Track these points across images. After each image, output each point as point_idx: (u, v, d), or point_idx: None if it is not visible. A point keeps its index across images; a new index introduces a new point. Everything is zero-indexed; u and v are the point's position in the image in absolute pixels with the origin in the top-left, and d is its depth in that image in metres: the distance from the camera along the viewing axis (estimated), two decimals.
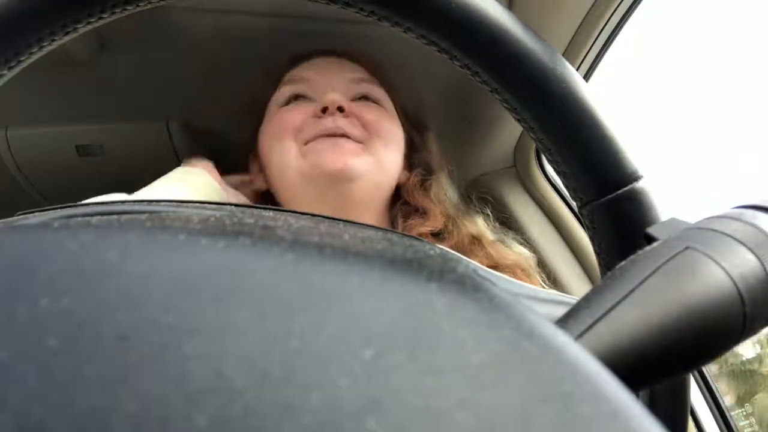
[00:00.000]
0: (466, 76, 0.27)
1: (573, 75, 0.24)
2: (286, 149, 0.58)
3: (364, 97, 0.62)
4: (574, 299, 0.24)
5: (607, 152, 0.24)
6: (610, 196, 0.24)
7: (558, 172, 0.26)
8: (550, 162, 0.26)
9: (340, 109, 0.57)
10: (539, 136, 0.25)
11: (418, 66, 0.72)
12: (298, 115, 0.59)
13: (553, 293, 0.43)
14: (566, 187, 0.26)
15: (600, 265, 0.26)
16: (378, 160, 0.58)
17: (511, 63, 0.24)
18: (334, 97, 0.57)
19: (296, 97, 0.62)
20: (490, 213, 0.67)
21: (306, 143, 0.57)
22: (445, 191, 0.65)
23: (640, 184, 0.25)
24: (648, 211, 0.24)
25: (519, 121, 0.25)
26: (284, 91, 0.62)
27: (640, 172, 0.25)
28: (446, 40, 0.25)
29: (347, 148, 0.56)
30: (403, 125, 0.66)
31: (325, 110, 0.57)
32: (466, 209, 0.66)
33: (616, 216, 0.25)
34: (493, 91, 0.25)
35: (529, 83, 0.24)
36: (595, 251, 0.26)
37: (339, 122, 0.57)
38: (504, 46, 0.24)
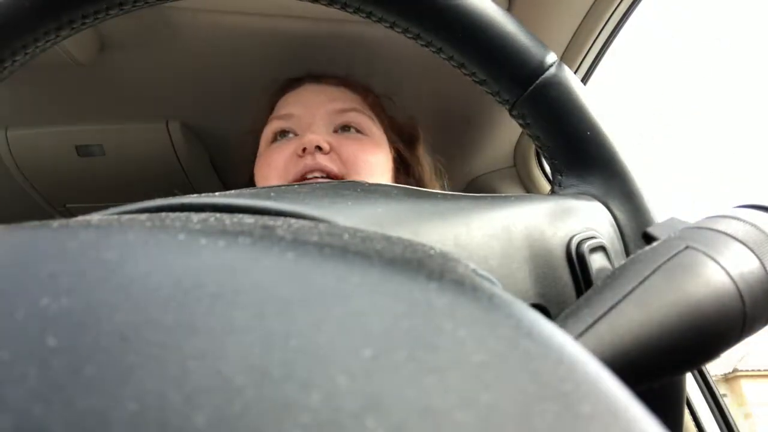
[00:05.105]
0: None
1: None
2: None
3: (347, 127, 0.65)
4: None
5: (512, 50, 0.26)
6: (530, 88, 0.26)
7: (480, 83, 0.28)
8: (469, 76, 0.28)
9: (319, 148, 0.61)
10: (451, 55, 0.27)
11: (418, 67, 0.73)
12: (282, 155, 0.63)
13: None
14: (492, 95, 0.28)
15: (546, 159, 0.28)
16: None
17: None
18: (312, 138, 0.61)
19: (283, 133, 0.66)
20: None
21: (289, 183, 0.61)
22: None
23: (553, 71, 0.26)
24: (570, 92, 0.26)
25: (426, 45, 0.27)
26: (273, 126, 0.67)
27: (551, 60, 0.26)
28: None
29: None
30: (394, 143, 0.69)
31: (305, 150, 0.61)
32: None
33: (542, 105, 0.26)
34: (393, 26, 0.27)
35: (426, 12, 0.26)
36: (538, 148, 0.28)
37: (318, 160, 0.60)
38: None
